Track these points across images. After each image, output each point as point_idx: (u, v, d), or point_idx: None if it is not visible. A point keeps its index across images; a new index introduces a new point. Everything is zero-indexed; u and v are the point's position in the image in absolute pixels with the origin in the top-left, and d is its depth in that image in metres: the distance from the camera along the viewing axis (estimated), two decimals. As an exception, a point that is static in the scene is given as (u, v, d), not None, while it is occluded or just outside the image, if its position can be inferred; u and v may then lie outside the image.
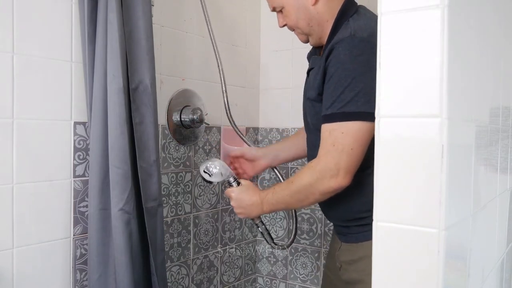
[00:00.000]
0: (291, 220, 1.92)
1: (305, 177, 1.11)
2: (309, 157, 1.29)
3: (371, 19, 1.12)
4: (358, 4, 1.20)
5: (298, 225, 1.90)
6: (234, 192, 1.28)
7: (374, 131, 1.03)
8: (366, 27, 1.07)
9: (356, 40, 1.04)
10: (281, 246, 1.52)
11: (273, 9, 1.23)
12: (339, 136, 1.04)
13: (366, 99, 1.02)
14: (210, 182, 1.37)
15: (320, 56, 1.19)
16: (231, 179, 1.33)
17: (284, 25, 1.24)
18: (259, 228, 1.40)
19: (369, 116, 1.03)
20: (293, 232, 1.56)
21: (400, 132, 0.64)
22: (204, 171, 1.35)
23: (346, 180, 1.05)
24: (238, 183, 1.32)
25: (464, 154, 0.71)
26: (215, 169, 1.34)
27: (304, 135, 1.34)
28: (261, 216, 1.39)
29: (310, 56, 1.32)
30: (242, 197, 1.26)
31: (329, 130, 1.06)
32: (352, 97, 1.02)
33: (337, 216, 1.24)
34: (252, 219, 1.38)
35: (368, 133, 1.04)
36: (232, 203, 1.29)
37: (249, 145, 1.67)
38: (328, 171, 1.06)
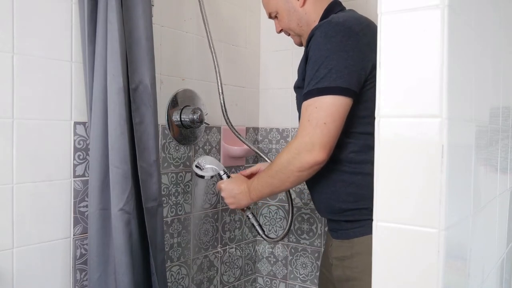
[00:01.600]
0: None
1: (283, 155, 1.13)
2: None
3: (353, 13, 1.19)
4: (354, 6, 1.25)
5: (298, 225, 1.90)
6: (223, 183, 1.33)
7: (349, 107, 1.07)
8: (344, 16, 1.13)
9: (332, 24, 1.09)
10: (272, 238, 1.56)
11: (269, 16, 1.33)
12: (313, 111, 1.07)
13: (338, 75, 1.05)
14: (202, 177, 1.43)
15: None
16: (221, 172, 1.39)
17: (280, 31, 1.34)
18: (250, 220, 1.44)
19: (342, 91, 1.06)
20: (287, 226, 1.56)
21: (400, 132, 0.64)
22: (196, 166, 1.42)
23: (321, 154, 1.06)
24: (228, 176, 1.38)
25: (464, 154, 0.71)
26: (206, 164, 1.41)
27: None
28: (254, 212, 1.41)
29: None
30: (231, 187, 1.31)
31: (305, 106, 1.09)
32: (326, 73, 1.06)
33: (324, 206, 1.24)
34: (243, 211, 1.42)
35: (342, 108, 1.07)
36: (222, 193, 1.33)
37: (247, 145, 1.67)
38: (304, 146, 1.08)
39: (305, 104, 1.09)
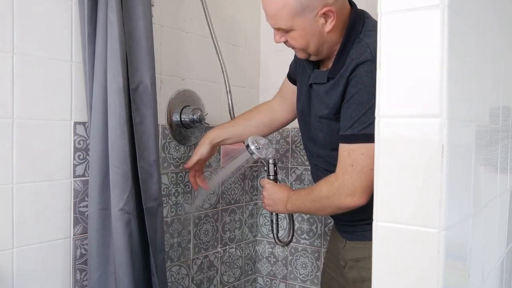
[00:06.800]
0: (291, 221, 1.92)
1: (323, 189, 1.14)
2: (313, 167, 1.31)
3: None
4: (359, 8, 1.18)
5: (298, 225, 1.90)
6: (269, 184, 1.35)
7: None
8: None
9: None
10: (282, 244, 1.58)
11: (278, 28, 1.14)
12: (358, 157, 1.05)
13: None
14: (252, 153, 1.39)
15: (325, 70, 1.17)
16: (271, 169, 1.40)
17: (281, 42, 1.17)
18: (273, 221, 1.48)
19: None
20: (291, 232, 1.59)
21: (400, 132, 0.64)
22: (253, 142, 1.39)
23: (362, 199, 1.07)
24: (276, 180, 1.40)
25: (464, 154, 0.71)
26: (263, 147, 1.40)
27: (257, 121, 1.46)
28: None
29: (303, 66, 1.26)
30: (274, 190, 1.32)
31: (348, 150, 1.07)
32: (374, 119, 1.03)
33: (344, 219, 1.25)
34: (272, 213, 1.47)
35: None
36: (264, 192, 1.35)
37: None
38: (345, 189, 1.08)
39: (348, 148, 1.07)
